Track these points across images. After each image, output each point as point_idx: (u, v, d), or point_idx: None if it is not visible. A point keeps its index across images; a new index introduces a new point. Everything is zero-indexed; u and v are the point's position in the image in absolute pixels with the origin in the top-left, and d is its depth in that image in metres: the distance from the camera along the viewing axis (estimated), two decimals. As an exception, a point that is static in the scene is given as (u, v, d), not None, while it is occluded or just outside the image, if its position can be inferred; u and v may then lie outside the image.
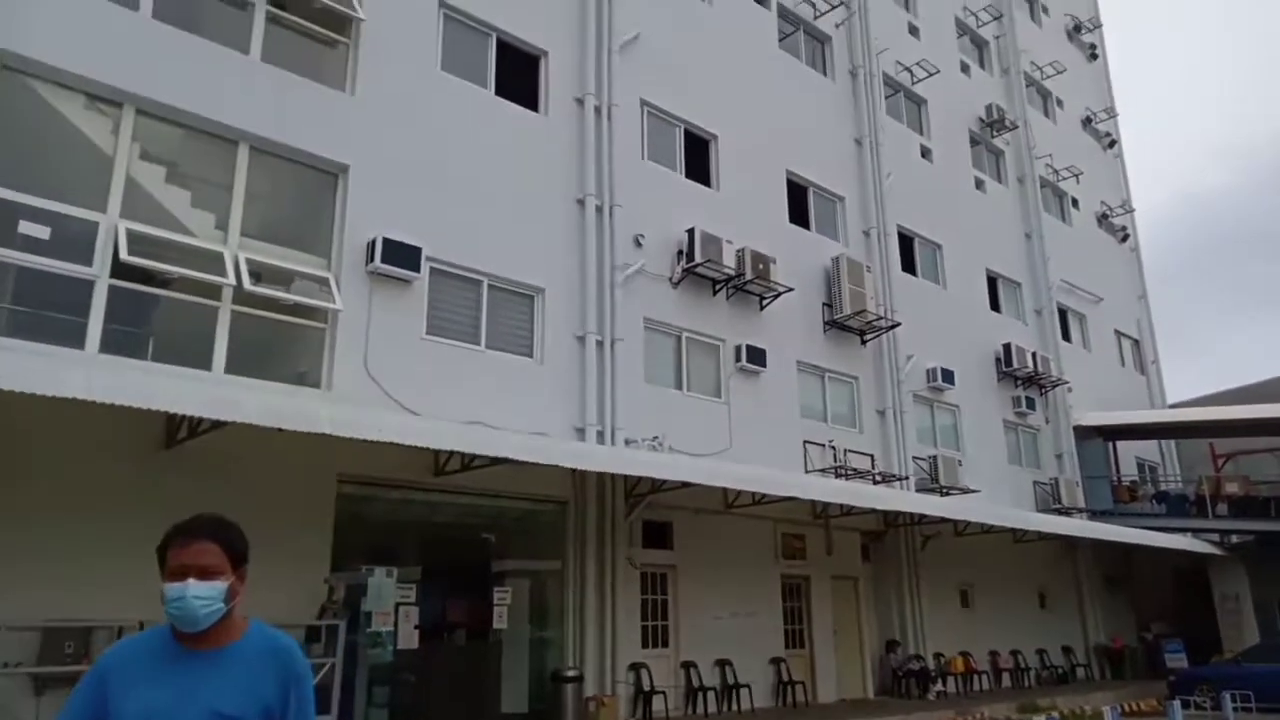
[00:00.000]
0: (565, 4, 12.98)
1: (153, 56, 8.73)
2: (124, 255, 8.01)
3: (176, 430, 8.00)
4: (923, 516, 14.29)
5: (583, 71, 12.79)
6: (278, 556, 6.87)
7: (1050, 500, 18.83)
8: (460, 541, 11.44)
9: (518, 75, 12.23)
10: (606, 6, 13.33)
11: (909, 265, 17.84)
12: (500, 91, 11.91)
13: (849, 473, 14.34)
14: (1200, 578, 20.31)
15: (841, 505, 13.03)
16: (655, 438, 11.88)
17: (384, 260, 9.76)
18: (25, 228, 7.66)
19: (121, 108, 8.57)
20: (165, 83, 8.75)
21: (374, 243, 9.79)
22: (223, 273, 8.59)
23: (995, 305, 19.93)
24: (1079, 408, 20.70)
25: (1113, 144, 27.26)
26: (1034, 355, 19.29)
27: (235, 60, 9.39)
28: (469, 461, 9.49)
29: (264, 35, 9.72)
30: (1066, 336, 21.86)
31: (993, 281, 20.03)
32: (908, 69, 19.23)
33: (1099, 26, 28.44)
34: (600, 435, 11.40)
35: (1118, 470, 21.87)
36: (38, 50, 8.08)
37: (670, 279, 13.07)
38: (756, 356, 13.72)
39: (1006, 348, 18.93)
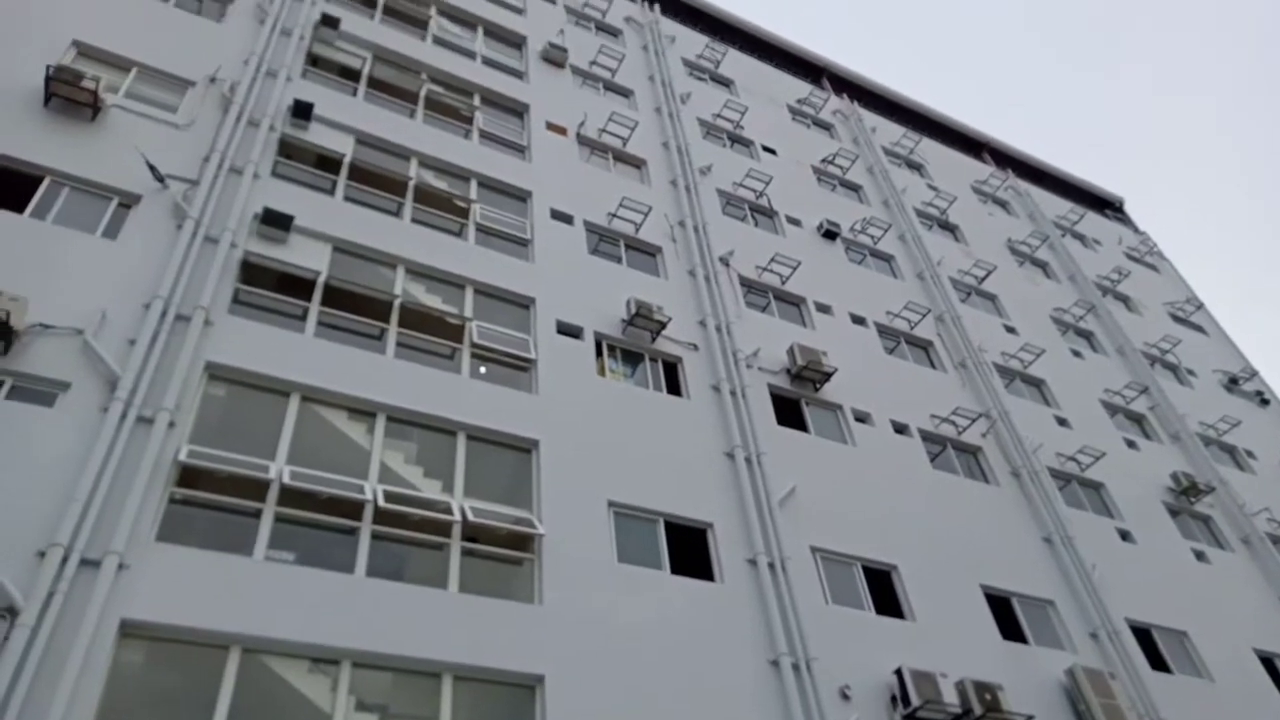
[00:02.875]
0: (719, 477, 13.89)
1: (367, 611, 9.65)
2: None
3: None
4: None
5: (749, 533, 13.17)
6: None
7: None
8: None
9: (689, 549, 12.70)
10: (758, 470, 14.15)
11: (1158, 662, 15.63)
12: (675, 569, 12.30)
13: None
14: None
15: None
16: None
17: (588, 770, 9.37)
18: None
19: (339, 664, 9.26)
20: (377, 632, 9.51)
21: (576, 753, 9.51)
22: (432, 815, 8.40)
23: (1285, 689, 16.79)
24: None
25: (1332, 481, 24.87)
26: (1367, 745, 15.62)
27: (436, 597, 10.24)
28: None
29: (459, 569, 10.71)
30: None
31: (1269, 663, 17.13)
32: (1071, 458, 18.90)
33: (1255, 374, 27.81)
34: None
35: None
36: (276, 629, 9.08)
37: (892, 732, 11.84)
38: (1019, 809, 11.67)
39: (1327, 742, 15.49)
